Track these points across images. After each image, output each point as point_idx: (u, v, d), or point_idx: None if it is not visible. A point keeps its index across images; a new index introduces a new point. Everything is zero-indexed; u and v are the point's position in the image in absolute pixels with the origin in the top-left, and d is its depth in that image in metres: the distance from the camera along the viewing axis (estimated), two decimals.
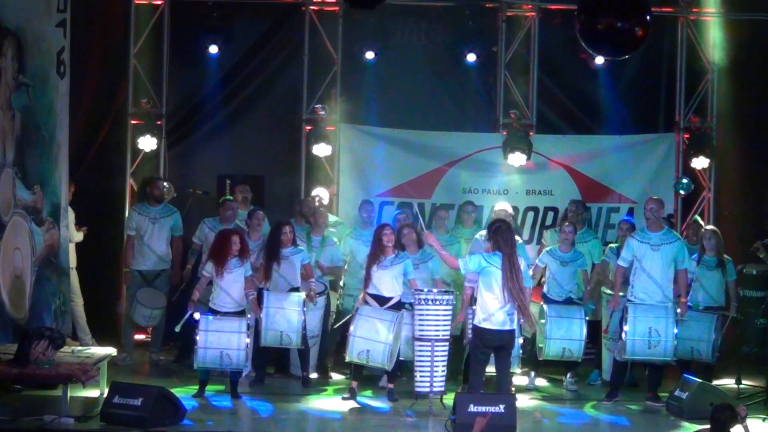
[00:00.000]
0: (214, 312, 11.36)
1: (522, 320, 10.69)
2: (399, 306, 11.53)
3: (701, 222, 13.63)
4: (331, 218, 13.43)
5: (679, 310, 11.58)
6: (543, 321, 12.16)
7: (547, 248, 12.55)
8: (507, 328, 10.52)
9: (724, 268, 12.01)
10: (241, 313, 11.42)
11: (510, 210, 13.22)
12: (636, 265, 11.65)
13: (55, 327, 11.61)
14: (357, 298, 11.83)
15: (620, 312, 11.79)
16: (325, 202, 13.69)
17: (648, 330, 11.46)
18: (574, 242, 12.49)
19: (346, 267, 12.78)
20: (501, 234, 10.52)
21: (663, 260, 11.59)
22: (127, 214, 13.38)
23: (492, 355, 10.65)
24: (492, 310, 10.44)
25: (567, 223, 12.61)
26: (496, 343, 10.55)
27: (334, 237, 12.91)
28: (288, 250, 12.07)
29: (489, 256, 10.58)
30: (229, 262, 11.37)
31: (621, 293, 11.79)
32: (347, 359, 11.50)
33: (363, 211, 13.18)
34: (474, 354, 10.74)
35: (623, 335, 11.57)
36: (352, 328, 11.32)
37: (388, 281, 11.50)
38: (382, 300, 11.51)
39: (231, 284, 11.39)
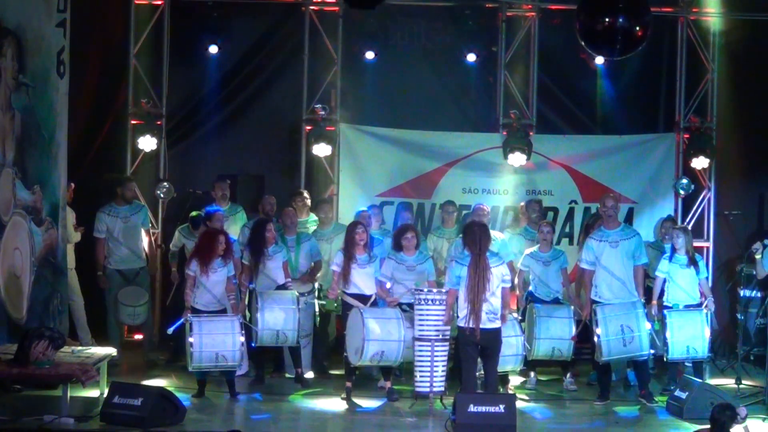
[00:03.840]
0: (197, 311, 11.34)
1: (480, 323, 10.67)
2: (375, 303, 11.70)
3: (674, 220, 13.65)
4: (312, 218, 13.39)
5: (652, 312, 11.67)
6: (531, 321, 12.13)
7: (527, 251, 12.52)
8: (487, 326, 10.64)
9: (697, 265, 12.00)
10: (223, 311, 11.43)
11: (487, 209, 13.19)
12: (597, 265, 11.66)
13: (53, 327, 11.60)
14: (338, 298, 11.94)
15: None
16: (308, 202, 13.60)
17: (620, 328, 11.45)
18: (552, 241, 12.55)
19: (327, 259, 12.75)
20: (470, 236, 10.84)
21: (622, 256, 11.61)
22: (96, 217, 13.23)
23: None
24: (467, 309, 10.65)
25: (545, 223, 12.67)
26: (477, 342, 10.66)
27: (307, 231, 12.93)
28: (272, 248, 12.13)
29: (461, 258, 10.86)
30: (213, 261, 11.36)
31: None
32: (358, 364, 11.45)
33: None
34: (462, 354, 10.85)
35: (595, 338, 11.56)
36: (363, 332, 11.21)
37: (366, 279, 11.67)
38: (363, 298, 11.62)
39: (215, 284, 11.40)
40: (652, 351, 11.72)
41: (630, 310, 11.53)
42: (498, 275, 10.74)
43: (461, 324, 10.75)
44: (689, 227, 13.56)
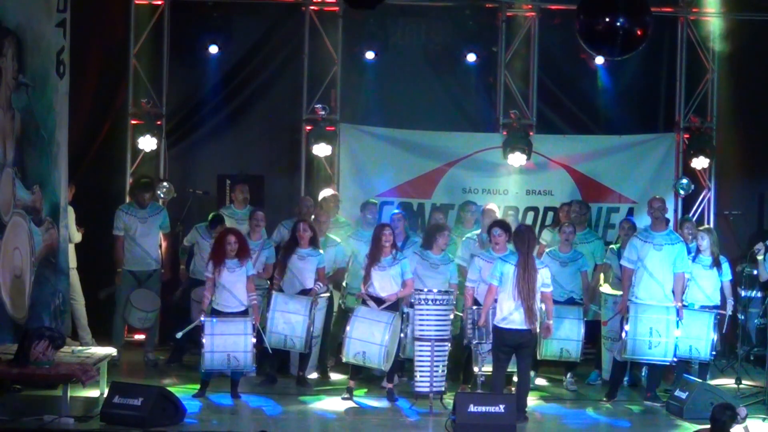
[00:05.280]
0: (218, 313, 11.33)
1: (529, 324, 10.71)
2: (395, 306, 11.57)
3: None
4: (339, 219, 13.42)
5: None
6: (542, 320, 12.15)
7: (547, 249, 12.55)
8: (526, 327, 10.66)
9: (720, 267, 12.00)
10: (245, 313, 11.39)
11: (497, 210, 13.20)
12: (638, 265, 11.65)
13: (55, 327, 11.60)
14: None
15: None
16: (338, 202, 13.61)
17: (649, 330, 11.47)
18: (574, 243, 12.51)
19: (348, 267, 12.75)
20: (519, 235, 10.90)
21: (665, 260, 11.59)
22: (115, 215, 13.21)
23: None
24: (509, 309, 10.64)
25: (567, 224, 12.62)
26: (516, 342, 10.73)
27: (336, 237, 12.90)
28: (306, 250, 12.07)
29: (506, 256, 10.90)
30: (227, 262, 11.35)
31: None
32: (344, 360, 11.55)
33: (368, 213, 13.10)
34: (495, 354, 10.87)
35: (623, 335, 11.57)
36: (348, 329, 11.34)
37: (385, 282, 11.56)
38: (379, 300, 11.54)
39: (234, 284, 11.36)
40: (675, 360, 11.70)
41: (662, 314, 11.52)
42: (539, 278, 10.78)
43: (504, 325, 10.71)
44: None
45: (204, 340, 11.17)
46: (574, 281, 12.35)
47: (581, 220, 13.15)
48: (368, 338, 11.29)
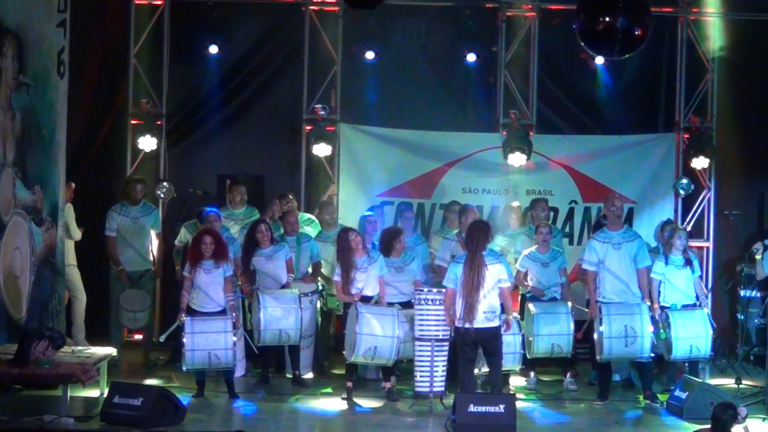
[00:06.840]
0: (194, 312, 11.32)
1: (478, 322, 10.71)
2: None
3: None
4: (303, 216, 13.40)
5: (656, 315, 11.65)
6: (529, 318, 12.10)
7: (526, 252, 12.49)
8: (485, 326, 10.67)
9: (692, 265, 12.01)
10: (222, 313, 11.39)
11: (476, 211, 13.15)
12: (600, 267, 11.67)
13: (52, 326, 11.60)
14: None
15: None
16: (294, 204, 13.59)
17: (624, 328, 11.46)
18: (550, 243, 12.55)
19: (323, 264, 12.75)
20: (468, 233, 10.95)
21: (625, 258, 11.62)
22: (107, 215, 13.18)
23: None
24: (462, 309, 10.70)
25: (543, 225, 12.62)
26: (474, 340, 10.75)
27: (308, 232, 12.91)
28: (269, 249, 12.12)
29: (459, 258, 10.99)
30: (203, 263, 11.34)
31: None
32: (352, 360, 11.43)
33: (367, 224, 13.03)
34: (460, 353, 10.86)
35: (595, 336, 11.57)
36: (357, 327, 11.25)
37: (369, 281, 11.61)
38: (364, 300, 11.57)
39: (209, 285, 11.34)
40: (653, 354, 11.72)
41: (635, 312, 11.53)
42: (494, 273, 10.75)
43: (458, 324, 10.77)
44: (688, 227, 13.59)
45: (184, 339, 11.17)
46: (557, 280, 12.36)
47: (547, 217, 13.21)
48: (379, 332, 11.26)
